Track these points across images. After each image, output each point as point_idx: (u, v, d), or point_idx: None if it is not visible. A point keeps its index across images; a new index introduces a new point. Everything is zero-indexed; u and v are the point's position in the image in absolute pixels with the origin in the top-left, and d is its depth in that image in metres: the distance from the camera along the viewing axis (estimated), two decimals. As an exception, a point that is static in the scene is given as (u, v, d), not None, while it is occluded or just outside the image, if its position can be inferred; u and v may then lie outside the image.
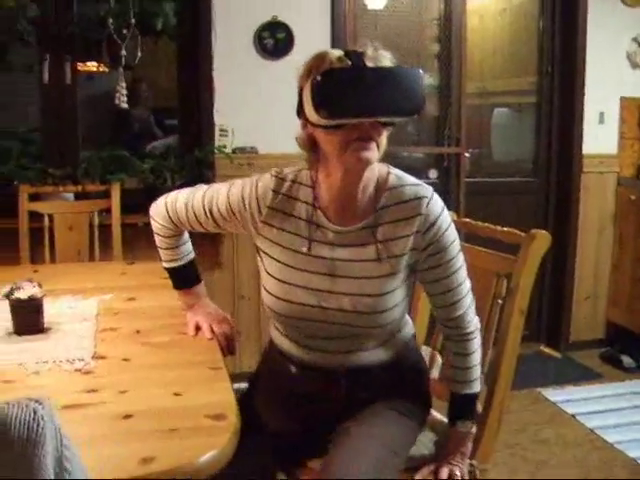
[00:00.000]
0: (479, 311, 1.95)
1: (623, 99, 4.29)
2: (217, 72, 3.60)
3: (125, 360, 1.66)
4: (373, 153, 1.51)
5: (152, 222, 1.92)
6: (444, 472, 1.76)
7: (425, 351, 2.26)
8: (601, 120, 4.28)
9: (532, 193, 4.50)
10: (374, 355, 1.71)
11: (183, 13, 3.48)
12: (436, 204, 1.61)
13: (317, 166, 1.62)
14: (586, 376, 4.04)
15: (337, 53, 1.52)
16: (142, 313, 2.05)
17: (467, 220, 2.24)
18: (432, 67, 4.29)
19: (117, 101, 3.33)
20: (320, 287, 1.61)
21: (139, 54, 3.30)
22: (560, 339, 4.42)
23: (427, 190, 1.61)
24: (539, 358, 4.29)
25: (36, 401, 0.78)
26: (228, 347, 1.86)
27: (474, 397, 1.81)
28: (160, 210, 1.86)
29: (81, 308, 2.07)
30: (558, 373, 4.08)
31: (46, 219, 3.06)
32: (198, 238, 3.56)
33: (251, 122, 3.69)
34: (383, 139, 1.53)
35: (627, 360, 4.12)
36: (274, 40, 3.64)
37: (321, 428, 1.71)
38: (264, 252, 1.70)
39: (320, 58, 1.52)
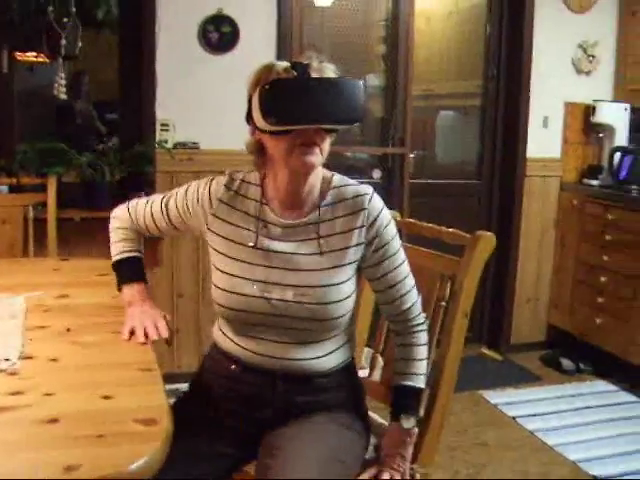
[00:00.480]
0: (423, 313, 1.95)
1: (567, 104, 4.34)
2: (160, 65, 3.51)
3: (53, 360, 1.57)
4: (317, 158, 1.61)
5: (111, 221, 2.00)
6: (385, 475, 1.73)
7: (367, 353, 2.23)
8: (545, 124, 4.32)
9: (475, 195, 4.53)
10: (318, 362, 1.71)
11: (125, 3, 3.38)
12: (377, 201, 1.72)
13: (264, 168, 1.72)
14: (526, 379, 4.07)
15: (284, 64, 1.62)
16: (73, 311, 1.96)
17: (411, 220, 2.22)
18: (378, 67, 4.29)
19: (55, 92, 3.24)
20: (265, 279, 1.66)
21: (79, 44, 3.20)
22: (501, 341, 4.45)
23: (368, 188, 1.73)
24: (480, 360, 4.30)
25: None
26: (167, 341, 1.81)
27: (419, 392, 1.80)
28: (122, 211, 1.98)
29: (9, 305, 1.96)
30: (499, 375, 4.10)
31: (-23, 212, 2.94)
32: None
33: (193, 117, 3.63)
34: (326, 145, 1.64)
35: (567, 363, 4.15)
36: (219, 34, 3.57)
37: (257, 433, 1.71)
38: (214, 248, 1.76)
39: (267, 68, 1.63)
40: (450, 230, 2.05)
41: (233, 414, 1.74)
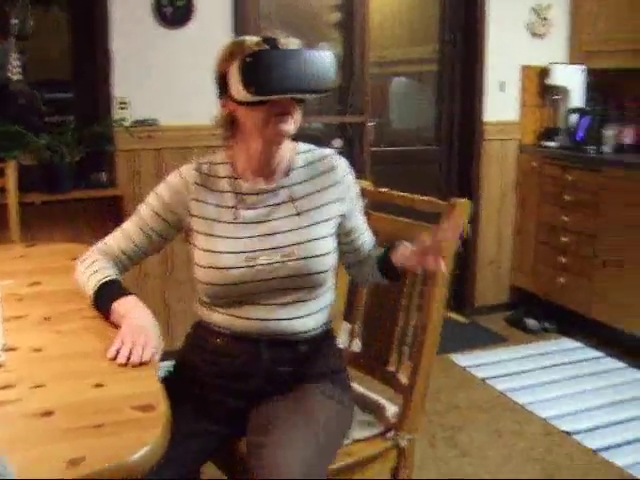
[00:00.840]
0: (401, 281, 1.98)
1: (523, 67, 4.37)
2: (114, 42, 3.43)
3: (37, 351, 1.54)
4: (291, 126, 1.69)
5: (76, 269, 1.83)
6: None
7: (345, 326, 2.24)
8: (502, 88, 4.35)
9: (435, 161, 4.56)
10: (301, 323, 1.76)
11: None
12: (342, 159, 1.88)
13: (233, 141, 1.79)
14: (493, 340, 4.14)
15: (255, 39, 1.68)
16: (49, 298, 1.92)
17: (384, 190, 2.21)
18: (331, 36, 4.25)
19: (9, 73, 3.14)
20: (251, 248, 1.72)
21: (31, 23, 3.10)
22: (466, 305, 4.51)
23: (331, 150, 1.89)
24: (446, 324, 4.23)
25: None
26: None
27: None
28: (87, 255, 1.84)
29: (-19, 296, 1.92)
30: (466, 338, 4.16)
31: None
32: (96, 216, 3.45)
33: (151, 93, 3.57)
34: (298, 114, 1.72)
35: (531, 323, 4.23)
36: (173, 8, 3.50)
37: (244, 408, 1.74)
38: (197, 231, 1.77)
39: (239, 44, 1.68)
40: (425, 198, 2.06)
41: (219, 389, 1.76)
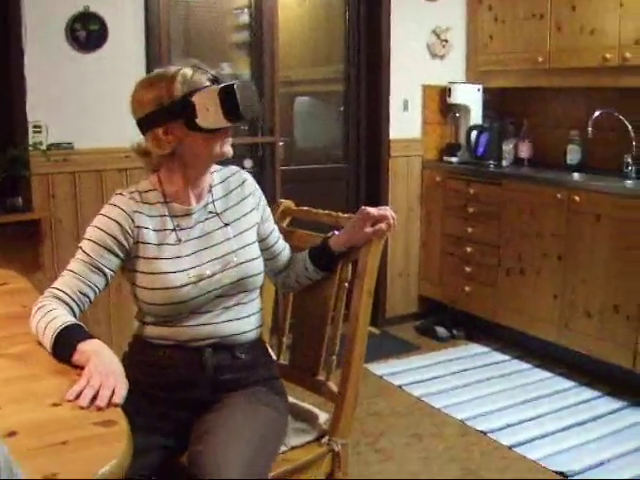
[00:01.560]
0: (325, 295, 2.14)
1: (425, 87, 4.59)
2: (28, 66, 3.42)
3: (-15, 376, 1.57)
4: (230, 146, 1.90)
5: (33, 317, 1.73)
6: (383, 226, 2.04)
7: (272, 341, 2.34)
8: (405, 107, 4.55)
9: (343, 178, 4.70)
10: (241, 324, 1.90)
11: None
12: (247, 174, 2.06)
13: (160, 167, 1.91)
14: (405, 349, 4.31)
15: (189, 71, 1.82)
16: (-16, 324, 1.94)
17: (306, 208, 2.33)
18: (236, 56, 4.33)
19: None
20: (197, 264, 1.85)
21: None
22: (377, 316, 4.65)
23: (234, 167, 2.06)
24: None
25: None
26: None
27: None
28: (42, 302, 1.76)
29: None
30: (379, 348, 4.30)
31: None
32: (13, 241, 3.43)
33: (66, 117, 3.57)
34: None
35: (441, 330, 4.43)
36: (87, 32, 3.53)
37: (188, 419, 1.81)
38: (141, 257, 1.84)
39: (186, 75, 1.80)
40: (346, 215, 2.18)
41: (163, 401, 1.83)
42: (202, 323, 1.85)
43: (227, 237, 1.91)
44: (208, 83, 1.81)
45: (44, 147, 3.48)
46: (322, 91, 4.75)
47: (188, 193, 1.90)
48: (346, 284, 2.12)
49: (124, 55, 3.63)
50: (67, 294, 1.77)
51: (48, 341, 1.65)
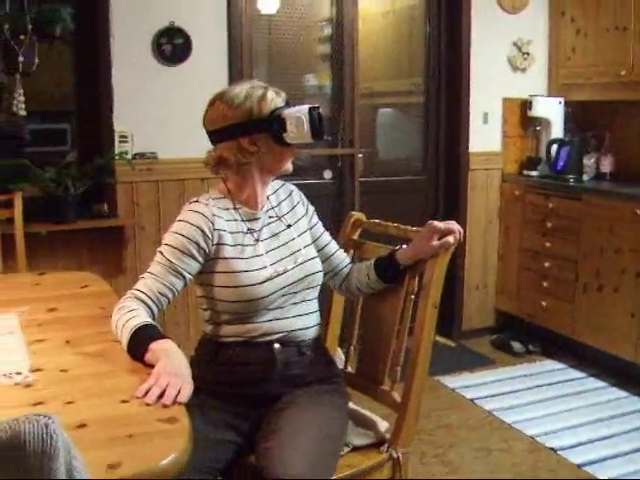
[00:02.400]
0: (392, 307, 2.18)
1: (505, 100, 4.56)
2: (116, 78, 3.59)
3: (63, 371, 1.67)
4: None
5: (113, 316, 1.85)
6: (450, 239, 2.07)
7: (339, 353, 2.39)
8: (485, 120, 4.54)
9: (422, 190, 4.71)
10: (307, 320, 2.03)
11: (80, 18, 3.45)
12: (291, 185, 2.20)
13: (230, 176, 2.04)
14: (480, 362, 4.28)
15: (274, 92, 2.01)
16: (67, 323, 2.05)
17: (377, 221, 2.36)
18: (320, 68, 4.41)
19: (15, 108, 3.27)
20: (273, 261, 1.99)
21: (36, 61, 3.25)
22: (453, 329, 4.65)
23: (279, 180, 2.18)
24: (435, 347, 4.42)
25: (45, 416, 0.83)
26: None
27: None
28: (123, 303, 1.87)
29: (2, 321, 2.04)
30: (454, 361, 4.30)
31: (-56, 230, 2.97)
32: (98, 246, 3.59)
33: (150, 128, 3.71)
34: None
35: (517, 346, 4.38)
36: (172, 46, 3.67)
37: (258, 414, 1.91)
38: (222, 258, 1.95)
39: (274, 94, 1.99)
40: (414, 228, 2.21)
41: (235, 398, 1.93)
42: (273, 318, 1.97)
43: (292, 237, 2.07)
44: (284, 103, 2.00)
45: (129, 156, 3.63)
46: (403, 103, 4.79)
47: (256, 199, 2.04)
48: (412, 296, 2.15)
49: (207, 68, 3.76)
50: (147, 295, 1.88)
51: (125, 339, 1.75)
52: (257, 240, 2.01)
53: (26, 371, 1.66)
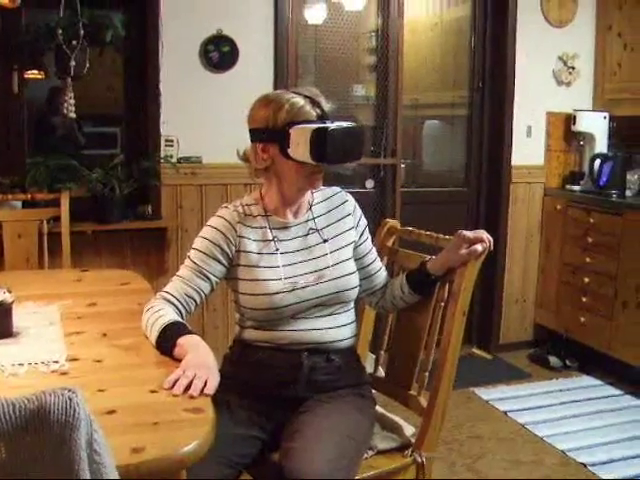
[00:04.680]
0: (422, 314, 2.20)
1: (549, 114, 4.55)
2: (163, 83, 3.69)
3: (97, 361, 1.74)
4: (321, 181, 2.03)
5: (143, 315, 1.94)
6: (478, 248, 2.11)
7: (370, 358, 2.42)
8: (529, 133, 4.53)
9: (464, 202, 4.71)
10: (336, 332, 2.02)
11: (131, 25, 3.55)
12: (349, 195, 2.17)
13: (263, 180, 2.05)
14: (516, 376, 4.26)
15: (305, 101, 1.94)
16: (104, 317, 2.13)
17: (410, 229, 2.40)
18: (367, 79, 4.46)
19: (65, 111, 3.39)
20: (292, 274, 1.98)
21: (87, 65, 3.36)
22: (490, 341, 4.64)
23: (337, 188, 2.17)
24: (471, 360, 4.49)
25: (69, 390, 0.89)
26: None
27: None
28: (152, 303, 1.95)
29: (45, 313, 2.13)
30: (489, 373, 4.29)
31: (-5, 227, 3.09)
32: (141, 246, 3.68)
33: (196, 132, 3.80)
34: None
35: (554, 360, 4.36)
36: (219, 53, 3.76)
37: (284, 414, 1.94)
38: (243, 265, 1.99)
39: (295, 105, 1.92)
40: (447, 237, 2.24)
41: (263, 398, 1.97)
42: (298, 329, 1.98)
43: (324, 252, 2.03)
44: (314, 117, 1.92)
45: (175, 160, 3.73)
46: (448, 115, 4.81)
47: (285, 209, 2.04)
48: (442, 304, 2.17)
49: (253, 76, 3.84)
50: (175, 297, 1.96)
51: (154, 336, 1.83)
52: (277, 250, 2.00)
53: (63, 360, 1.74)
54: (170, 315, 1.88)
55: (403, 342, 2.29)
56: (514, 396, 3.94)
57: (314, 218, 2.07)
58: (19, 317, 2.00)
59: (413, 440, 2.11)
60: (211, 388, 1.56)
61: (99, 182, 3.48)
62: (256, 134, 1.97)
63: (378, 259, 2.20)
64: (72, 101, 3.43)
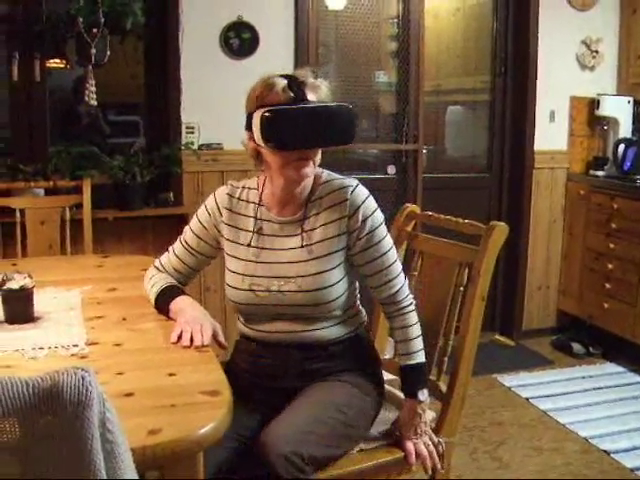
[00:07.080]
0: (441, 298, 2.16)
1: (573, 98, 4.51)
2: (184, 70, 3.69)
3: (117, 345, 1.76)
4: (310, 169, 1.83)
5: (145, 284, 2.13)
6: (409, 447, 1.94)
7: (390, 343, 2.41)
8: (552, 118, 4.49)
9: (486, 188, 4.68)
10: (327, 332, 1.92)
11: (151, 12, 3.56)
12: (360, 192, 1.88)
13: (262, 171, 1.94)
14: (539, 362, 4.24)
15: (282, 84, 1.77)
16: (124, 302, 2.14)
17: (430, 213, 2.39)
18: (388, 65, 4.44)
19: (87, 98, 3.40)
20: (252, 273, 1.90)
21: (108, 53, 3.37)
22: (513, 328, 4.62)
23: (352, 181, 1.90)
24: (494, 346, 4.48)
25: (82, 369, 0.90)
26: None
27: (422, 366, 1.98)
28: (150, 271, 2.14)
29: (65, 298, 2.15)
30: (512, 360, 4.28)
31: (17, 214, 3.11)
32: (163, 233, 3.70)
33: (217, 119, 3.79)
34: (318, 156, 1.85)
35: (577, 347, 4.33)
36: (239, 40, 3.75)
37: (281, 403, 1.86)
38: (226, 253, 1.99)
39: (267, 87, 1.78)
40: (466, 221, 2.24)
41: (259, 387, 1.95)
42: (283, 330, 1.90)
43: (301, 259, 1.87)
44: (286, 99, 1.75)
45: (195, 147, 3.74)
46: (470, 100, 4.77)
47: (276, 202, 1.91)
48: (461, 289, 2.17)
49: (274, 63, 3.82)
50: (166, 268, 2.09)
51: (152, 303, 2.03)
52: (249, 244, 1.92)
53: (82, 344, 1.75)
54: (162, 281, 2.04)
55: (422, 327, 2.28)
56: (536, 383, 3.92)
57: (306, 218, 1.89)
58: (40, 302, 2.02)
59: (433, 425, 2.10)
60: (207, 338, 1.75)
61: (120, 169, 3.49)
62: (246, 121, 1.86)
63: (388, 272, 1.91)
64: (93, 89, 3.44)
